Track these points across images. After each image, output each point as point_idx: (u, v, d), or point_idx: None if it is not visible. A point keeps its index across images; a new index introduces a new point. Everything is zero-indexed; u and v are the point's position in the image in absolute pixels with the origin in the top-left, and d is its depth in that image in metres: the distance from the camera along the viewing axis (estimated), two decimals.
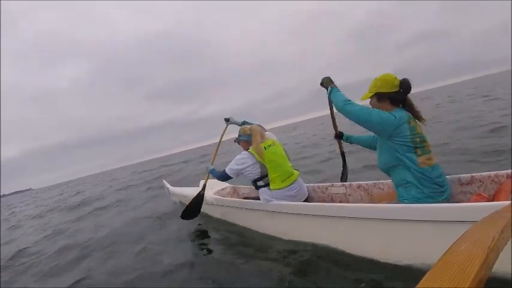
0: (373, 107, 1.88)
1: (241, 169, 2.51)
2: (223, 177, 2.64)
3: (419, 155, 1.71)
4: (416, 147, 1.71)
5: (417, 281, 0.47)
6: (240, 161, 2.51)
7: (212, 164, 2.98)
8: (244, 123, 2.94)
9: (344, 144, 2.59)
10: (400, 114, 1.74)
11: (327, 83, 2.11)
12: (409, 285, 1.48)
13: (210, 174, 2.91)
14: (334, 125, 2.55)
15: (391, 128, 1.71)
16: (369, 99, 1.89)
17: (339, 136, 2.50)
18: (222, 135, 3.07)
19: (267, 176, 2.47)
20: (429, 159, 1.73)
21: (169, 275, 2.32)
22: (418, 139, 1.72)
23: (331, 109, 2.42)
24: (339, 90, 2.01)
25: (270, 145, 2.53)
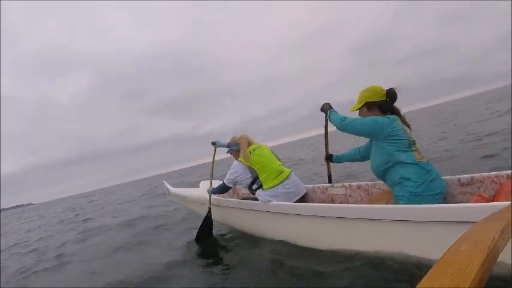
0: (363, 116, 2.03)
1: (235, 178, 2.68)
2: (223, 188, 2.86)
3: (414, 151, 1.85)
4: (409, 144, 1.86)
5: (417, 281, 0.47)
6: (232, 171, 2.70)
7: (211, 186, 3.14)
8: (229, 144, 3.00)
9: (335, 164, 2.74)
10: (393, 117, 1.92)
11: (326, 108, 2.28)
12: (409, 285, 1.47)
13: (212, 195, 3.05)
14: (326, 147, 2.74)
15: (387, 128, 1.85)
16: (358, 111, 2.06)
17: (329, 158, 2.67)
18: (213, 158, 3.27)
19: (258, 178, 2.58)
20: (422, 156, 1.87)
21: (164, 274, 2.32)
22: (410, 138, 1.90)
23: (325, 132, 2.67)
24: (336, 112, 2.17)
25: (255, 149, 2.70)
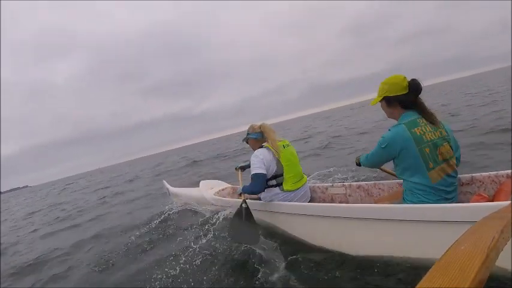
0: (384, 111, 1.86)
1: (261, 161, 2.29)
2: (256, 181, 2.28)
3: (432, 168, 1.61)
4: (426, 160, 1.61)
5: (417, 281, 0.47)
6: (259, 157, 2.31)
7: (241, 185, 2.59)
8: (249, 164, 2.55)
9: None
10: (398, 128, 1.66)
11: (357, 160, 2.14)
12: (409, 285, 1.48)
13: (245, 194, 2.44)
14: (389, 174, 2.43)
15: (395, 147, 1.66)
16: (379, 103, 1.85)
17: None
18: (240, 178, 2.90)
19: (280, 175, 2.37)
20: (443, 169, 1.64)
21: (166, 274, 2.32)
22: (427, 149, 1.61)
23: (385, 171, 2.41)
24: (363, 155, 2.06)
25: (288, 144, 2.51)
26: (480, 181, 1.92)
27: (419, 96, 1.74)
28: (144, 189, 8.76)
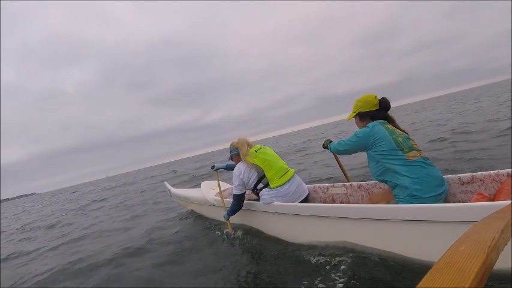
0: (357, 125, 2.11)
1: (242, 179, 2.59)
2: (237, 201, 2.64)
3: (406, 152, 1.81)
4: (400, 145, 1.82)
5: (417, 281, 0.47)
6: (237, 173, 2.63)
7: (225, 211, 2.82)
8: (228, 166, 3.09)
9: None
10: (374, 123, 1.92)
11: (326, 143, 2.43)
12: (409, 285, 1.48)
13: (229, 219, 2.80)
14: (346, 177, 2.88)
15: (369, 138, 1.88)
16: (353, 119, 2.13)
17: None
18: (218, 181, 3.29)
19: (264, 176, 2.54)
20: (417, 153, 1.83)
21: (168, 274, 2.32)
22: (400, 138, 1.86)
23: (340, 166, 2.89)
24: (333, 142, 2.30)
25: (259, 148, 2.71)
26: (481, 180, 1.91)
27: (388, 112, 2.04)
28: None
